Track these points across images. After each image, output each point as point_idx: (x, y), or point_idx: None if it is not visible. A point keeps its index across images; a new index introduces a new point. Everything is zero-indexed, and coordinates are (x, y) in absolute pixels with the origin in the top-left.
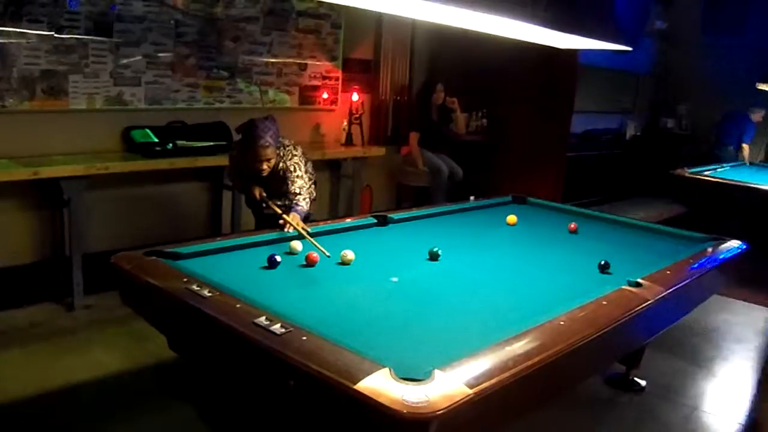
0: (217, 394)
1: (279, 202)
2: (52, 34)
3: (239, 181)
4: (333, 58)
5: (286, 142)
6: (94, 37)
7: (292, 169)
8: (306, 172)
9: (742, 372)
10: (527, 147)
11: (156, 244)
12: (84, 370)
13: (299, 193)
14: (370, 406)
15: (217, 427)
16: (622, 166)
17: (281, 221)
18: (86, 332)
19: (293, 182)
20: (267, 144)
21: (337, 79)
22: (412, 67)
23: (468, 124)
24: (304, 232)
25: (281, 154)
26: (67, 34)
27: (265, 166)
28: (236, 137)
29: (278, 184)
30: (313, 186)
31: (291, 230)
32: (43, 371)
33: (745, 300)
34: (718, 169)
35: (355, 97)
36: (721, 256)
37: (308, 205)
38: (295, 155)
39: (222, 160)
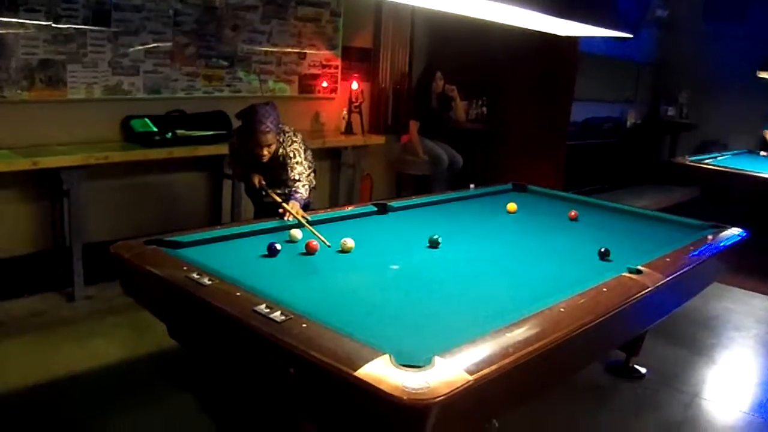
0: (217, 382)
1: (279, 191)
2: (50, 24)
3: (239, 169)
4: (332, 47)
5: (287, 129)
6: (93, 27)
7: (291, 155)
8: (306, 159)
9: (742, 359)
10: (528, 135)
11: (156, 234)
12: (84, 360)
13: (299, 180)
14: (370, 393)
15: (218, 416)
16: (622, 155)
17: (280, 210)
18: (87, 322)
19: (292, 168)
20: (268, 129)
21: (336, 67)
22: (411, 55)
23: (468, 112)
24: (303, 221)
25: (281, 140)
26: (65, 23)
27: (265, 152)
28: (236, 124)
29: (278, 170)
30: (312, 174)
31: (290, 219)
32: (44, 361)
33: (745, 288)
34: (719, 157)
35: (354, 85)
36: (721, 244)
37: (308, 192)
38: (295, 141)
39: (222, 149)
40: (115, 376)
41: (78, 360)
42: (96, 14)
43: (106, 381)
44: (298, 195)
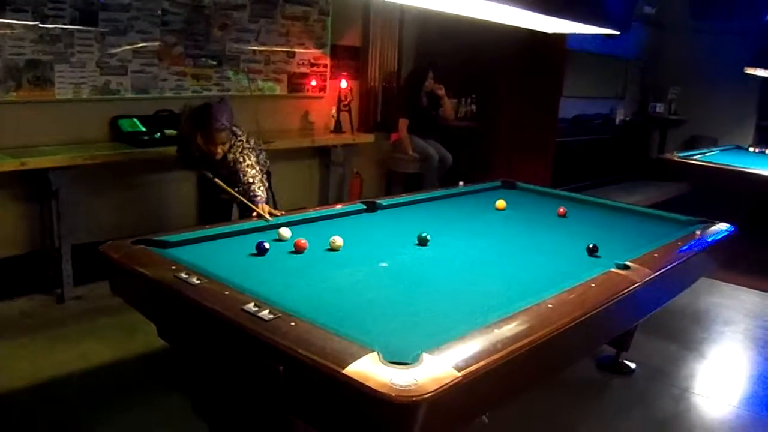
0: (207, 381)
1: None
2: (37, 24)
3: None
4: (321, 45)
5: (239, 133)
6: (80, 27)
7: (241, 159)
8: (258, 162)
9: (732, 354)
10: (517, 132)
11: (146, 234)
12: (74, 361)
13: (252, 182)
14: (358, 390)
15: (209, 415)
16: (612, 151)
17: (254, 214)
18: (76, 323)
19: (245, 173)
20: (223, 127)
21: (325, 66)
22: (400, 53)
23: (457, 110)
24: (279, 214)
25: (233, 143)
26: (52, 23)
27: (219, 150)
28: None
29: (229, 173)
30: (265, 176)
31: (271, 219)
32: (33, 363)
33: (733, 283)
34: (707, 153)
35: (343, 84)
36: (710, 239)
37: (264, 193)
38: (246, 147)
39: None
40: (105, 376)
41: (68, 361)
42: (83, 14)
43: (96, 382)
44: (257, 198)
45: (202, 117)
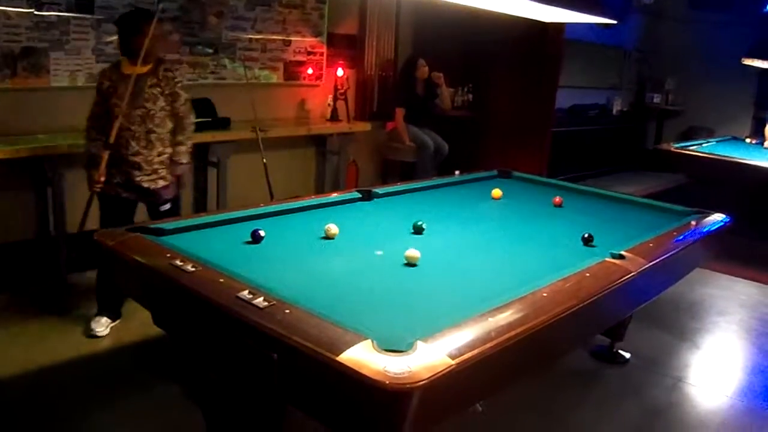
0: (202, 369)
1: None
2: (32, 11)
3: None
4: (318, 34)
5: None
6: (75, 14)
7: (183, 96)
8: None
9: (726, 344)
10: (513, 122)
11: (141, 222)
12: (70, 348)
13: (184, 143)
14: (352, 378)
15: (203, 402)
16: (608, 141)
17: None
18: (71, 311)
19: (185, 116)
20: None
21: (322, 54)
22: (397, 42)
23: (454, 99)
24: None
25: (168, 74)
26: (47, 10)
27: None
28: (222, 112)
29: (156, 117)
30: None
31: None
32: (27, 351)
33: (728, 273)
34: (704, 144)
35: (340, 72)
36: (705, 230)
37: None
38: (182, 81)
39: (206, 137)
40: (100, 364)
41: (63, 349)
42: (79, 1)
43: (90, 370)
44: (182, 166)
45: (134, 12)
